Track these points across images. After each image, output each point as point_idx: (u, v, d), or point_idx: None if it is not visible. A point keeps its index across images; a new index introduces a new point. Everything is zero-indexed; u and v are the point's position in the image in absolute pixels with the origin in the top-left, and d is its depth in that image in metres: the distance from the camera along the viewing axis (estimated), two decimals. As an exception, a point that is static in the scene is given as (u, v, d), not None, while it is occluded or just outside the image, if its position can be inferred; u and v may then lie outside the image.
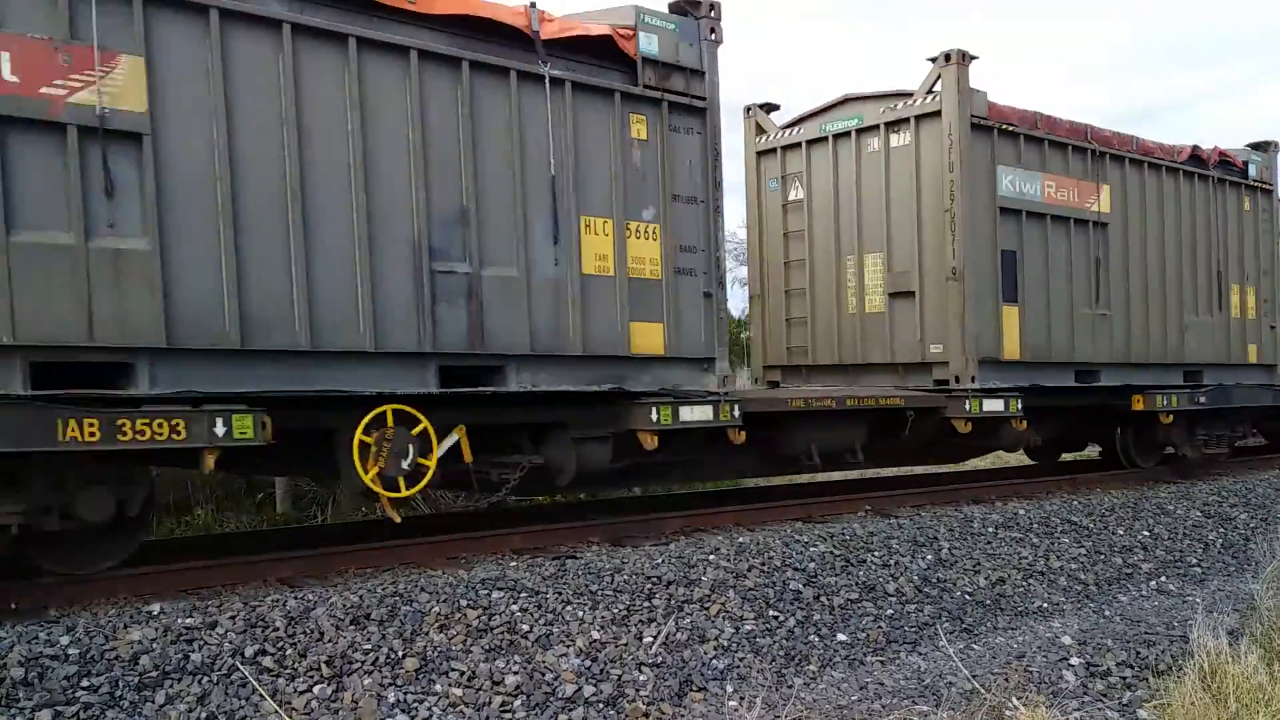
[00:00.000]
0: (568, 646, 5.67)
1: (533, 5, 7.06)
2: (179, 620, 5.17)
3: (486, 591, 5.96)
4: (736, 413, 7.94)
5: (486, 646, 5.51)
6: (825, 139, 10.98)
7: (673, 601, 6.33)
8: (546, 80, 7.12)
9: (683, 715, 5.41)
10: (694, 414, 7.73)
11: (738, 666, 5.92)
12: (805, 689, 5.86)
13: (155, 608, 5.34)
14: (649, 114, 7.72)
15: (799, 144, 11.23)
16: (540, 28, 7.07)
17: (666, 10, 7.85)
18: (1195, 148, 12.20)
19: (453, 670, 5.28)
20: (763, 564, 7.01)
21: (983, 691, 5.48)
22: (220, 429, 5.65)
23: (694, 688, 5.65)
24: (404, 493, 6.64)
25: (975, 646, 6.80)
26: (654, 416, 7.52)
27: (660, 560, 6.80)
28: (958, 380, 9.87)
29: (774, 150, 11.48)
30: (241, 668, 4.94)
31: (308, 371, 6.23)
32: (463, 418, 6.95)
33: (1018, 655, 6.53)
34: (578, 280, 7.36)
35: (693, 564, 6.81)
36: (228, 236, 5.87)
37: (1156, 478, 12.09)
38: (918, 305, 10.21)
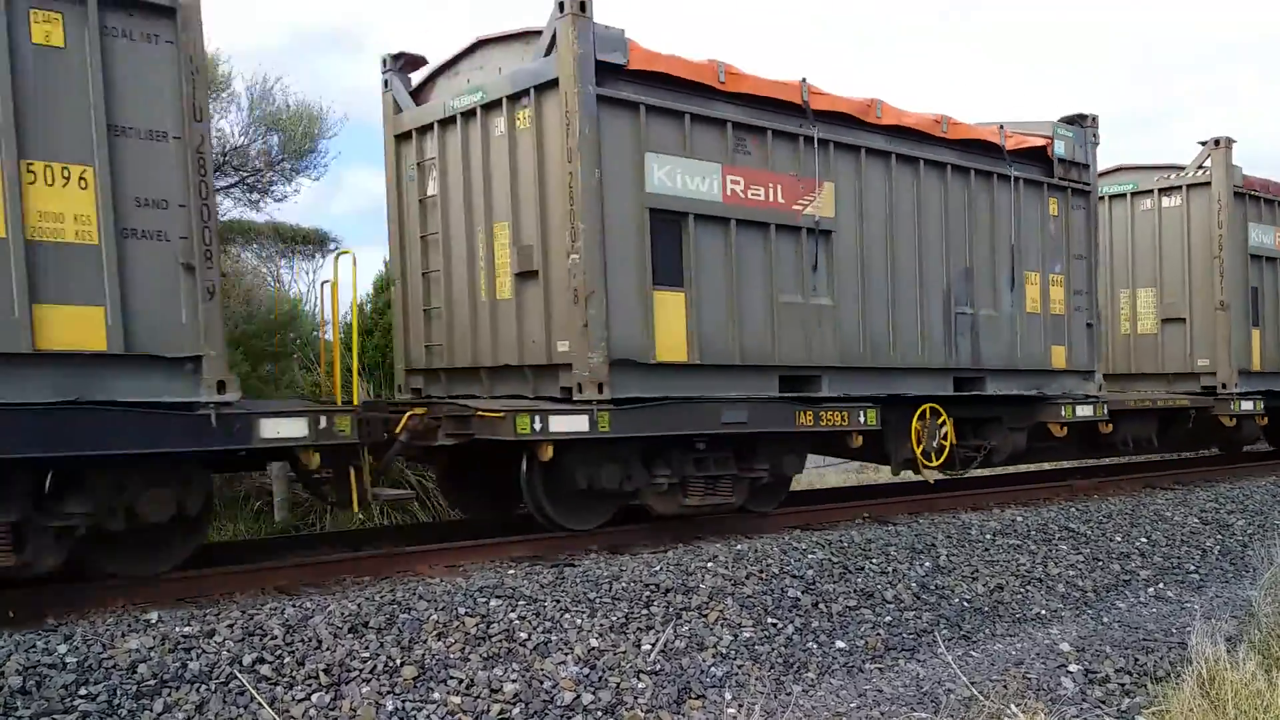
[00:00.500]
0: (566, 654, 5.66)
1: (1000, 128, 10.48)
2: (177, 628, 5.17)
3: (485, 599, 5.96)
4: (1106, 410, 11.29)
5: (485, 654, 5.51)
6: None
7: (671, 609, 6.33)
8: (1012, 179, 10.48)
9: (681, 723, 5.41)
10: (1085, 411, 11.00)
11: (736, 674, 5.92)
12: (804, 696, 5.86)
13: (153, 616, 5.34)
14: (1059, 197, 11.05)
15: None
16: (1005, 143, 10.44)
17: (1065, 122, 11.17)
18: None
19: (451, 678, 5.28)
20: (761, 571, 7.01)
21: (981, 698, 5.48)
22: (862, 419, 8.98)
23: (692, 695, 5.64)
24: (934, 463, 9.94)
25: (974, 653, 6.80)
26: (1063, 414, 10.77)
27: (659, 568, 6.80)
28: (1224, 387, 13.15)
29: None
30: (240, 676, 4.93)
31: (893, 381, 9.51)
32: (951, 413, 10.00)
33: (1016, 662, 6.53)
34: (1023, 316, 10.64)
35: (691, 571, 6.81)
36: (864, 294, 9.25)
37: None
38: (1188, 329, 13.54)
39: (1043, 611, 7.74)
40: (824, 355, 8.92)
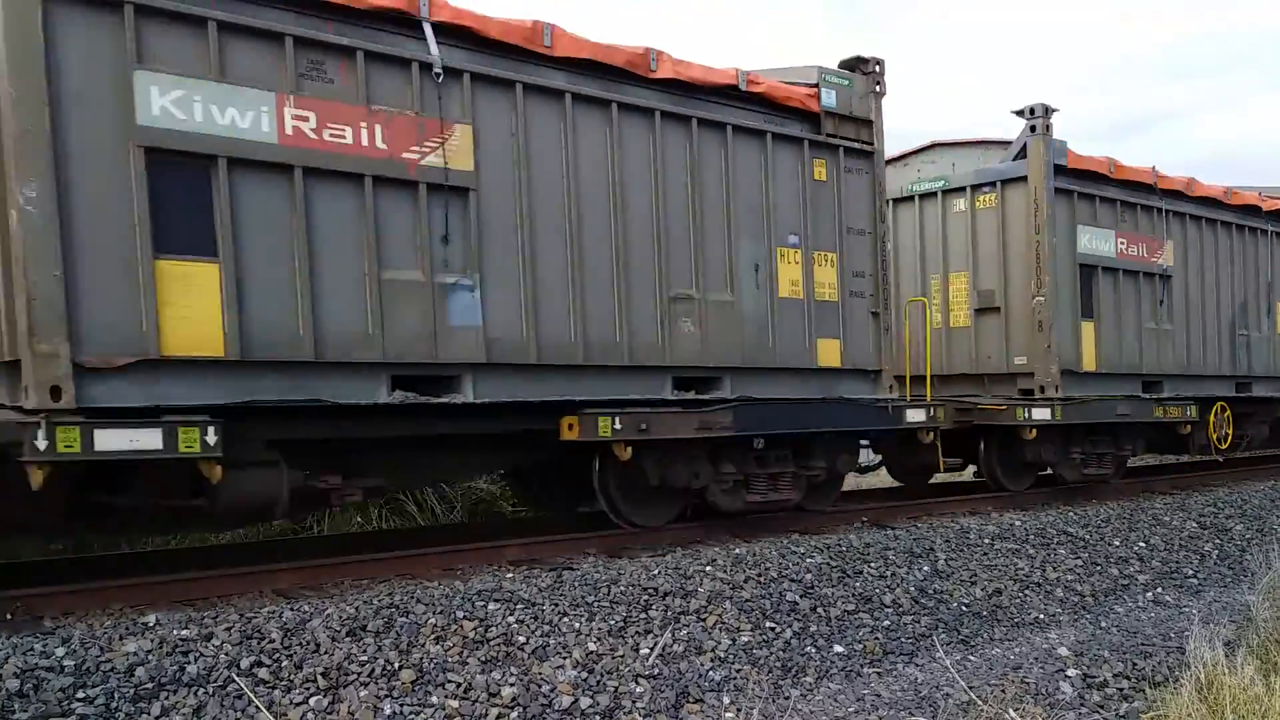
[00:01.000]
0: (564, 658, 5.66)
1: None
2: (175, 632, 5.16)
3: (483, 603, 5.95)
4: None
5: (483, 658, 5.50)
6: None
7: (669, 613, 6.32)
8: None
9: (679, 727, 5.41)
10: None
11: (734, 678, 5.91)
12: (802, 700, 5.86)
13: (151, 619, 5.33)
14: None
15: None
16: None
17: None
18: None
19: (449, 682, 5.27)
20: (759, 575, 7.01)
21: (979, 703, 5.48)
22: (1189, 413, 12.12)
23: (691, 699, 5.64)
24: (1224, 445, 12.70)
25: (972, 658, 6.80)
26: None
27: (657, 571, 6.79)
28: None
29: None
30: (237, 679, 4.93)
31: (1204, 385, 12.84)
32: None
33: (1014, 666, 6.53)
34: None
35: (689, 575, 6.80)
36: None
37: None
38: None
39: (1041, 616, 7.74)
40: (1164, 365, 12.02)
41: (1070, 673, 6.32)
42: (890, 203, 11.16)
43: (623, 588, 6.46)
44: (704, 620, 6.36)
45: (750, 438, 8.37)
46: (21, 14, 5.31)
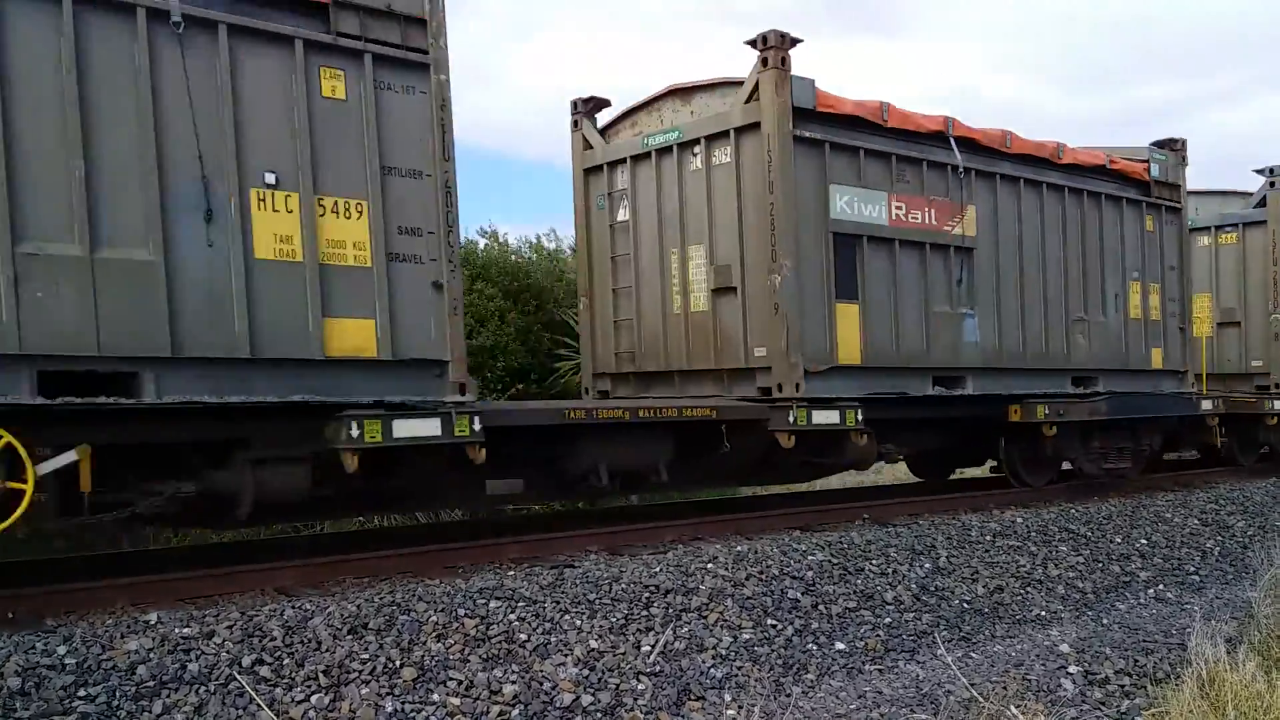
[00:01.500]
0: (566, 655, 5.66)
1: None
2: (176, 630, 5.16)
3: (484, 600, 5.95)
4: None
5: (484, 656, 5.50)
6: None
7: (671, 610, 6.32)
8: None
9: (681, 724, 5.41)
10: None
11: (736, 675, 5.91)
12: (803, 698, 5.86)
13: (152, 617, 5.33)
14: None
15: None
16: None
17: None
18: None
19: (450, 679, 5.27)
20: (761, 572, 7.01)
21: (981, 700, 5.48)
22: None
23: (692, 696, 5.64)
24: None
25: (973, 655, 6.80)
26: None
27: (658, 569, 6.79)
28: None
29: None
30: (239, 677, 4.93)
31: None
32: None
33: (1016, 663, 6.53)
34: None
35: (691, 573, 6.80)
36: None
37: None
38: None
39: (1042, 613, 7.74)
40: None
41: (1072, 669, 6.31)
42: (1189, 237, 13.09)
43: (624, 585, 6.46)
44: (705, 617, 6.36)
45: (1114, 420, 11.00)
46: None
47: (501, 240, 15.69)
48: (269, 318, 6.17)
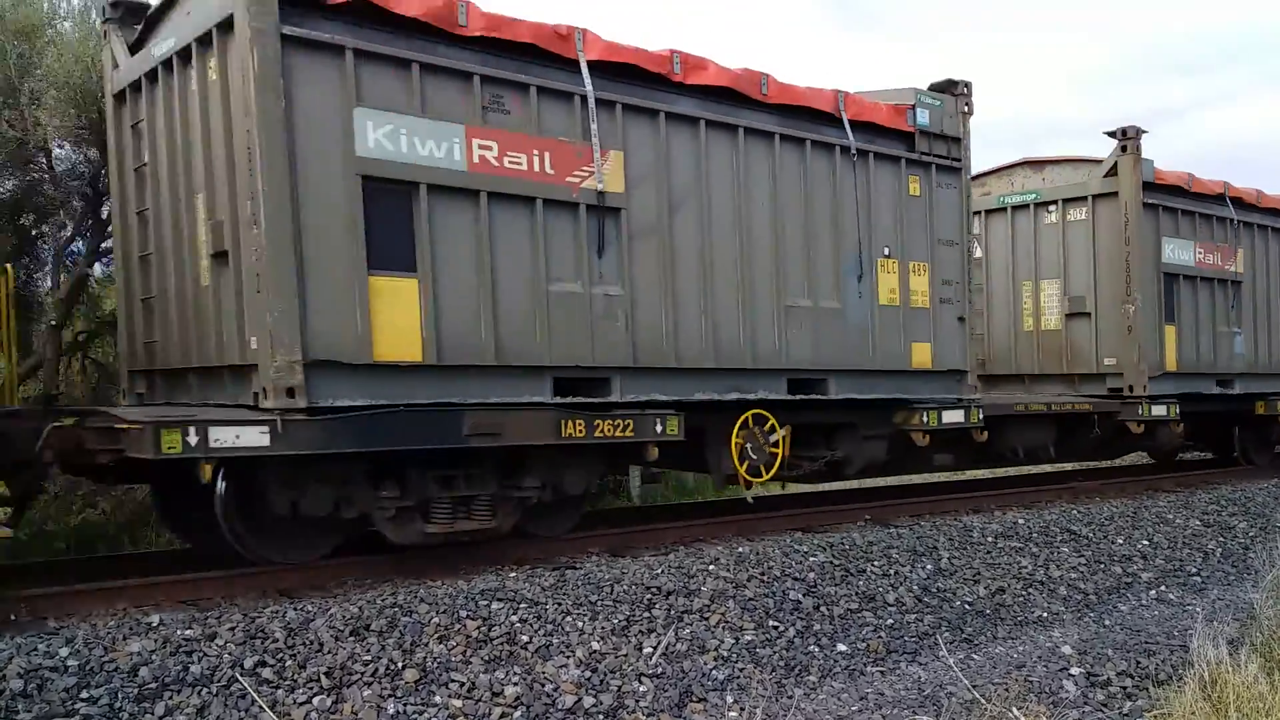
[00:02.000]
0: (567, 657, 5.66)
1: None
2: (178, 631, 5.17)
3: (486, 602, 5.95)
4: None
5: (486, 657, 5.50)
6: None
7: (672, 612, 6.32)
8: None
9: (683, 726, 5.41)
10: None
11: (738, 677, 5.91)
12: (805, 699, 5.86)
13: (154, 619, 5.33)
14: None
15: None
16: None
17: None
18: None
19: (452, 681, 5.27)
20: (762, 574, 7.01)
21: (983, 701, 5.47)
22: None
23: (694, 698, 5.64)
24: None
25: (975, 656, 6.80)
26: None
27: (660, 570, 6.79)
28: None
29: None
30: (241, 679, 4.93)
31: None
32: None
33: (1018, 665, 6.53)
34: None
35: (692, 574, 6.80)
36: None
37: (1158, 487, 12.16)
38: None
39: (1044, 614, 7.73)
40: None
41: (1074, 671, 6.31)
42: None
43: (626, 586, 6.46)
44: (707, 619, 6.35)
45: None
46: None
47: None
48: (883, 344, 9.14)
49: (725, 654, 6.07)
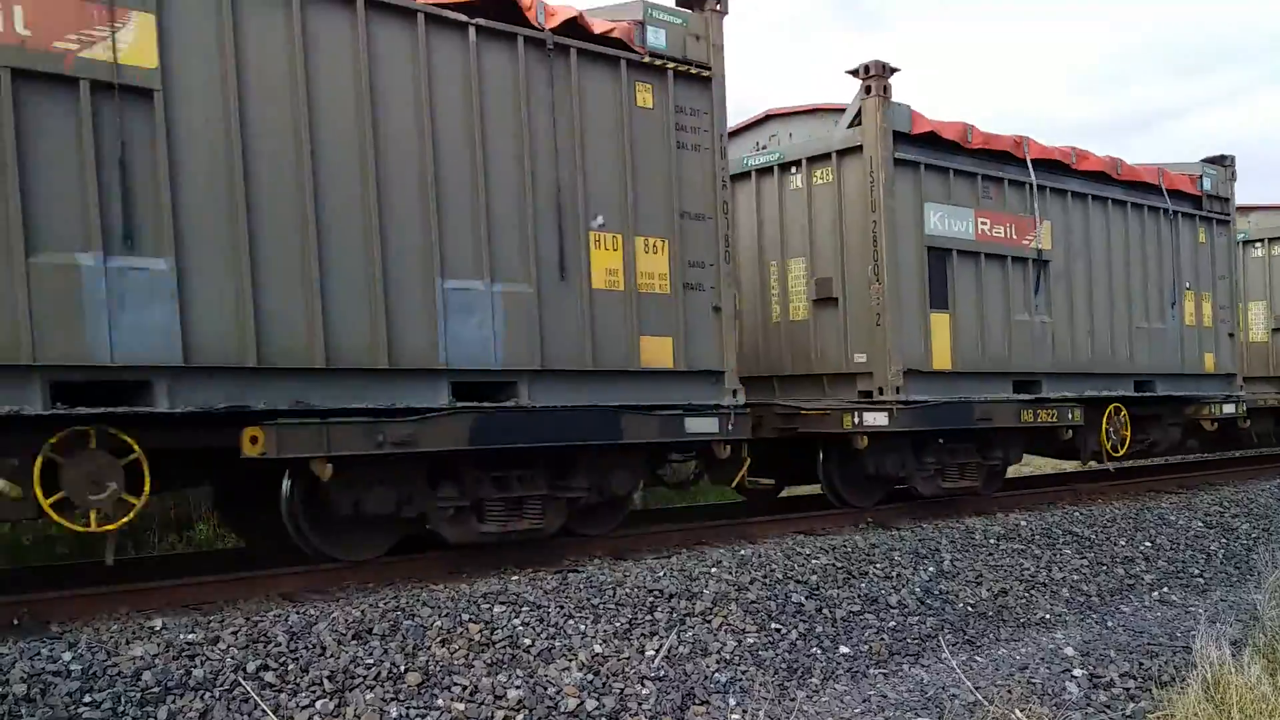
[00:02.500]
0: (570, 660, 5.66)
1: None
2: (181, 636, 5.17)
3: (488, 605, 5.96)
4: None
5: (488, 661, 5.51)
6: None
7: (675, 615, 6.32)
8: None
9: (685, 729, 5.41)
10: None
11: (740, 680, 5.91)
12: (808, 702, 5.85)
13: (157, 623, 5.34)
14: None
15: None
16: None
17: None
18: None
19: (455, 685, 5.27)
20: (765, 577, 7.01)
21: (986, 703, 5.48)
22: None
23: (696, 701, 5.64)
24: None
25: (978, 658, 6.79)
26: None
27: (662, 573, 6.79)
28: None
29: None
30: (244, 683, 4.93)
31: None
32: None
33: (1021, 667, 6.53)
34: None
35: (695, 577, 6.80)
36: None
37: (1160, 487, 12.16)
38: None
39: (1047, 616, 7.73)
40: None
41: (1076, 673, 6.31)
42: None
43: (628, 590, 6.46)
44: (709, 622, 6.35)
45: None
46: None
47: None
48: (1188, 354, 12.37)
49: (728, 657, 6.07)
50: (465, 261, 6.66)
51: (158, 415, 5.54)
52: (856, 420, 8.95)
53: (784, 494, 11.63)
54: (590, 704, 5.36)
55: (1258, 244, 15.08)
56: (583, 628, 5.96)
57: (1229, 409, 12.64)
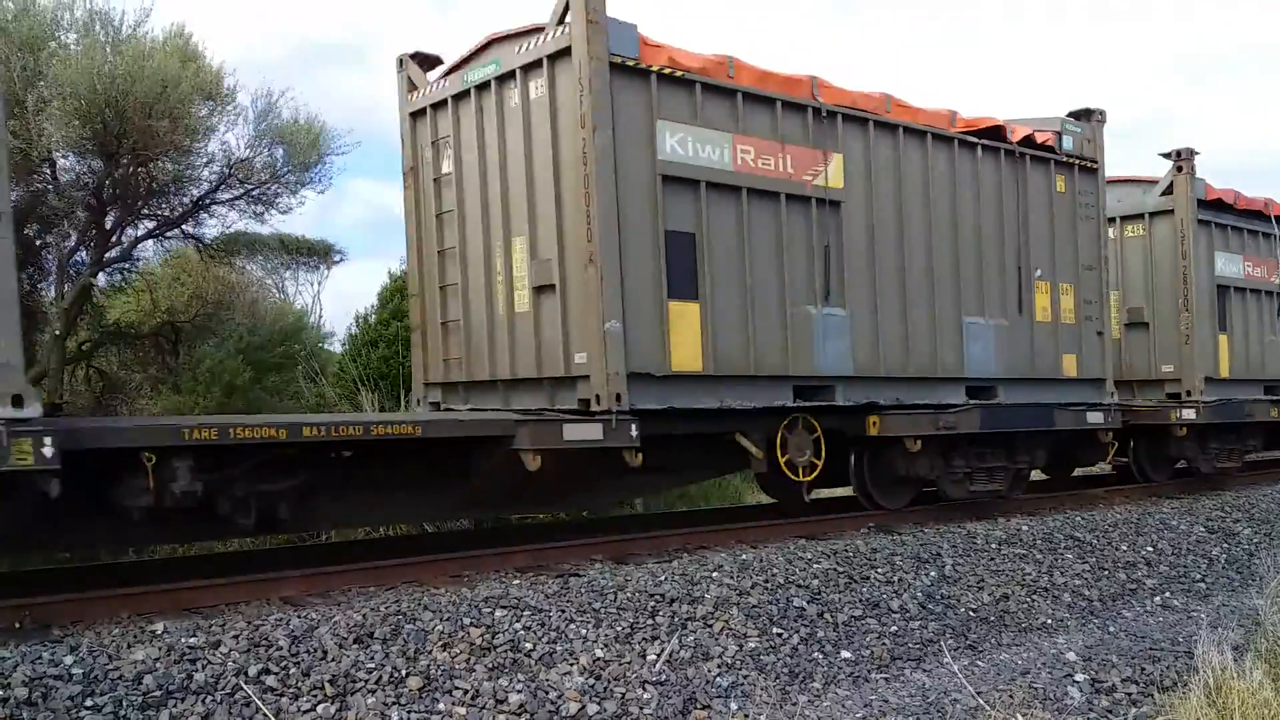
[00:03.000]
0: (571, 665, 5.66)
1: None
2: (182, 639, 5.17)
3: (490, 610, 5.96)
4: None
5: (490, 665, 5.51)
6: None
7: (676, 619, 6.32)
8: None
9: (687, 733, 5.40)
10: None
11: (742, 684, 5.91)
12: (809, 706, 5.85)
13: (159, 627, 5.34)
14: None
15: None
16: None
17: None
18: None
19: (456, 689, 5.27)
20: (766, 581, 7.00)
21: (987, 708, 5.47)
22: None
23: (698, 705, 5.63)
24: None
25: (980, 663, 6.79)
26: None
27: (664, 577, 6.79)
28: None
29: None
30: (245, 687, 4.93)
31: None
32: None
33: (1022, 672, 6.52)
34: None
35: (696, 581, 6.80)
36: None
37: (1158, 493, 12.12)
38: None
39: (1049, 621, 7.72)
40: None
41: (1078, 678, 6.30)
42: None
43: (629, 594, 6.46)
44: (711, 626, 6.35)
45: None
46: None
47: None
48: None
49: (729, 661, 6.06)
50: (973, 303, 9.90)
51: (835, 407, 8.78)
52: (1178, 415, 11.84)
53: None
54: (592, 708, 5.36)
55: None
56: (584, 632, 5.96)
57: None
